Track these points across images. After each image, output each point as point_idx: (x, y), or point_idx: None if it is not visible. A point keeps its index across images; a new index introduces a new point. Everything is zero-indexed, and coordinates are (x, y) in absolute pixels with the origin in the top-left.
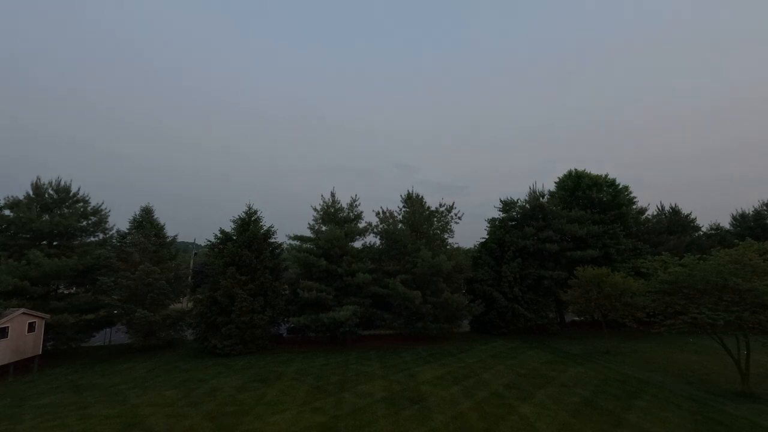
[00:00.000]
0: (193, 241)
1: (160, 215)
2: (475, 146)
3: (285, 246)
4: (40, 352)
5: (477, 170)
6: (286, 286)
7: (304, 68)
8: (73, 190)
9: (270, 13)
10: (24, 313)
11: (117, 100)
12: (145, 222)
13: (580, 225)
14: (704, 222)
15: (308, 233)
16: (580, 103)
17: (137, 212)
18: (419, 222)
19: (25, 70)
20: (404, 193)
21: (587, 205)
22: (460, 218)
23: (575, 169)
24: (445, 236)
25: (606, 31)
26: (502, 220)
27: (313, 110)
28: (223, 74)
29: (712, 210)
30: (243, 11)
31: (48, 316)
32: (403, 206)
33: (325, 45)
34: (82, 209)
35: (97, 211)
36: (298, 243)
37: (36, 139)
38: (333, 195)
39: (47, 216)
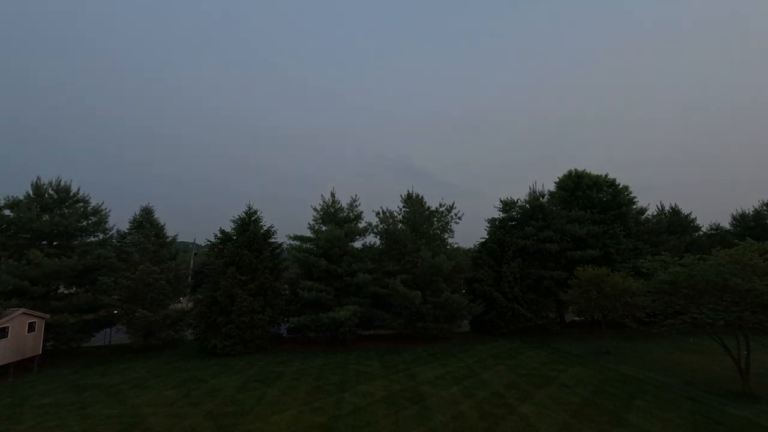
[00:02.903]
0: (193, 241)
1: (161, 215)
2: (483, 149)
3: (285, 246)
4: (40, 352)
5: (484, 172)
6: (286, 286)
7: (308, 70)
8: (73, 190)
9: (277, 16)
10: (24, 313)
11: (121, 100)
12: (145, 222)
13: (580, 225)
14: (704, 222)
15: (308, 233)
16: (581, 104)
17: (137, 212)
18: (419, 222)
19: (29, 71)
20: (415, 194)
21: (587, 205)
22: (460, 218)
23: (575, 169)
24: (445, 236)
25: (608, 32)
26: (502, 220)
27: (319, 111)
28: (231, 75)
29: (712, 210)
30: (248, 11)
31: (48, 316)
32: (403, 206)
33: (333, 49)
34: (82, 209)
35: (97, 211)
36: (298, 243)
37: (37, 138)
38: (333, 195)
39: (47, 216)
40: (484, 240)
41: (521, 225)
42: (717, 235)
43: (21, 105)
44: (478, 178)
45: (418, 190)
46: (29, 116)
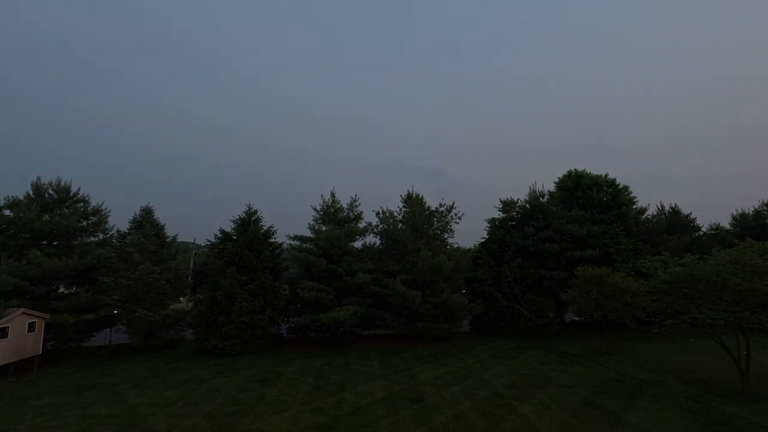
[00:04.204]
0: (193, 241)
1: (160, 215)
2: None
3: (285, 246)
4: (40, 352)
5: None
6: (286, 286)
7: (314, 69)
8: (73, 190)
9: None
10: (24, 313)
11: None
12: (145, 222)
13: (580, 225)
14: (704, 222)
15: (308, 233)
16: (583, 103)
17: (137, 212)
18: (419, 222)
19: (30, 70)
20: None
21: (587, 205)
22: (460, 218)
23: (575, 169)
24: (445, 236)
25: (609, 31)
26: (502, 220)
27: (326, 111)
28: (238, 73)
29: (712, 210)
30: (256, 13)
31: (48, 316)
32: (403, 206)
33: (342, 51)
34: (82, 209)
35: (97, 211)
36: (298, 243)
37: (37, 137)
38: (333, 195)
39: (47, 216)
40: (484, 240)
41: (521, 225)
42: (717, 235)
43: (19, 112)
44: (482, 177)
45: (419, 189)
46: (28, 119)
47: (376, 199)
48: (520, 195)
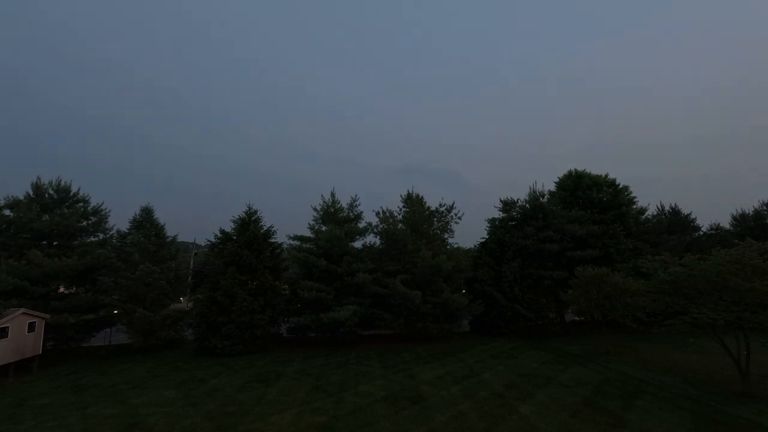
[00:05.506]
0: (193, 241)
1: (160, 215)
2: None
3: (285, 246)
4: (40, 352)
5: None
6: (286, 286)
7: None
8: (73, 190)
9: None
10: (24, 313)
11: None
12: (145, 222)
13: (580, 225)
14: (704, 222)
15: (308, 233)
16: (583, 104)
17: (137, 212)
18: (419, 222)
19: (28, 75)
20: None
21: (587, 205)
22: (460, 218)
23: (575, 169)
24: (445, 236)
25: (610, 28)
26: (502, 220)
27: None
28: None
29: (712, 210)
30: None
31: (48, 316)
32: (403, 206)
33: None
34: (82, 209)
35: (97, 211)
36: (298, 243)
37: (36, 136)
38: (333, 195)
39: (47, 216)
40: (484, 240)
41: (521, 225)
42: (717, 235)
43: (18, 108)
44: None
45: (430, 191)
46: (27, 119)
47: (383, 201)
48: (522, 194)
